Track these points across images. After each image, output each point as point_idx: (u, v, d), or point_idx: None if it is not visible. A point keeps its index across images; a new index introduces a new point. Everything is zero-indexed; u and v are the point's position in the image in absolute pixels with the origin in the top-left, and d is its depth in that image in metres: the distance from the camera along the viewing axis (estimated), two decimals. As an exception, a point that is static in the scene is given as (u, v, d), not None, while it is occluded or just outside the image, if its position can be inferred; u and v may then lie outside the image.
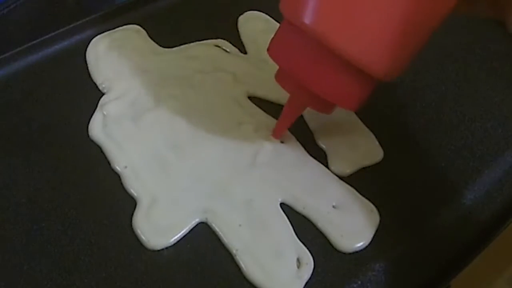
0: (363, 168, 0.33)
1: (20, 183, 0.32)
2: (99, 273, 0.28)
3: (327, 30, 0.26)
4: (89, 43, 0.38)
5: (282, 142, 0.34)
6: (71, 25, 0.39)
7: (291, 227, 0.30)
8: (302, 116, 0.35)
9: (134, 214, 0.30)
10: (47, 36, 0.38)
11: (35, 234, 0.29)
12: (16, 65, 0.37)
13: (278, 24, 0.40)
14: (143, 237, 0.29)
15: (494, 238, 0.30)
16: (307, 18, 0.27)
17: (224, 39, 0.39)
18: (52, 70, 0.37)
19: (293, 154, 0.33)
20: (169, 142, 0.33)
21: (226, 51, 0.39)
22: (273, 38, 0.30)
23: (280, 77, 0.31)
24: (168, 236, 0.29)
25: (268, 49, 0.30)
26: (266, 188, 0.31)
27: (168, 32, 0.40)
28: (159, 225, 0.30)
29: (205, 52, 0.38)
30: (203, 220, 0.30)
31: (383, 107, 0.36)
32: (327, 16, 0.26)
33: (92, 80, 0.36)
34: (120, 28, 0.40)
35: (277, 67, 0.30)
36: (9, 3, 0.43)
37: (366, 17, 0.26)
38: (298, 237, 0.30)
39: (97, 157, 0.32)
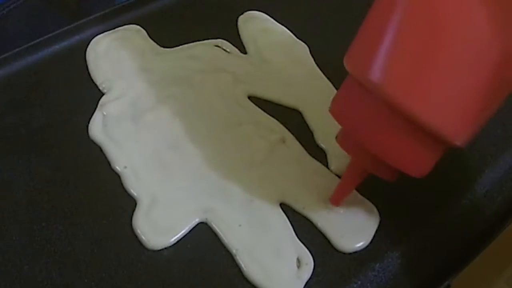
0: (363, 168, 0.33)
1: (20, 183, 0.32)
2: (99, 273, 0.28)
3: (398, 90, 0.24)
4: (89, 43, 0.38)
5: (283, 142, 0.34)
6: (71, 25, 0.39)
7: (291, 227, 0.30)
8: (302, 116, 0.35)
9: (134, 214, 0.30)
10: (47, 36, 0.38)
11: (35, 234, 0.29)
12: (16, 65, 0.37)
13: (278, 24, 0.41)
14: (143, 237, 0.29)
15: (494, 238, 0.30)
16: (375, 76, 0.24)
17: (224, 39, 0.39)
18: (52, 70, 0.37)
19: (293, 154, 0.33)
20: (169, 142, 0.33)
21: (226, 51, 0.39)
22: (336, 95, 0.28)
23: (342, 138, 0.28)
24: (168, 236, 0.29)
25: (330, 108, 0.27)
26: (266, 188, 0.31)
27: (168, 32, 0.40)
28: (159, 225, 0.30)
29: (205, 52, 0.38)
30: (203, 220, 0.30)
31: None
32: (399, 74, 0.24)
33: (92, 80, 0.36)
34: (120, 28, 0.40)
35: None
36: (9, 3, 0.43)
37: (445, 81, 0.23)
38: (298, 237, 0.30)
39: (97, 157, 0.32)
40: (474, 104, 0.24)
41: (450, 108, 0.24)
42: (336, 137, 0.28)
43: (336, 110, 0.27)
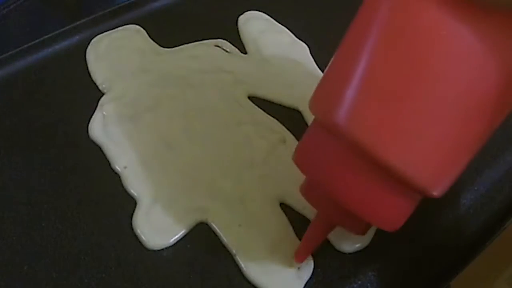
0: (363, 168, 0.33)
1: (20, 183, 0.32)
2: (99, 273, 0.28)
3: (367, 134, 0.21)
4: (89, 43, 0.38)
5: (283, 142, 0.34)
6: (71, 25, 0.39)
7: (291, 227, 0.30)
8: (302, 116, 0.35)
9: (134, 214, 0.30)
10: (47, 36, 0.38)
11: (35, 234, 0.29)
12: (16, 65, 0.37)
13: (278, 24, 0.41)
14: (143, 237, 0.29)
15: (494, 238, 0.30)
16: (341, 118, 0.22)
17: (224, 39, 0.39)
18: (52, 70, 0.37)
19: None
20: (169, 142, 0.33)
21: (226, 51, 0.39)
22: (300, 142, 0.25)
23: (306, 189, 0.26)
24: (168, 236, 0.29)
25: (294, 156, 0.25)
26: (266, 188, 0.31)
27: (168, 32, 0.40)
28: (159, 225, 0.30)
29: (205, 52, 0.38)
30: (203, 220, 0.30)
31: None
32: (368, 117, 0.21)
33: (92, 80, 0.36)
34: (120, 28, 0.40)
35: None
36: (9, 3, 0.43)
37: (421, 126, 0.21)
38: (298, 237, 0.30)
39: (97, 157, 0.32)
40: (454, 151, 0.22)
41: (426, 155, 0.21)
42: (300, 189, 0.26)
43: (300, 158, 0.25)
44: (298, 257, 0.28)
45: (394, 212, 0.23)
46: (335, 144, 0.23)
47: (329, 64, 0.24)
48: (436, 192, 0.22)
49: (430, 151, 0.21)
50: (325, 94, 0.24)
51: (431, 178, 0.22)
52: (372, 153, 0.21)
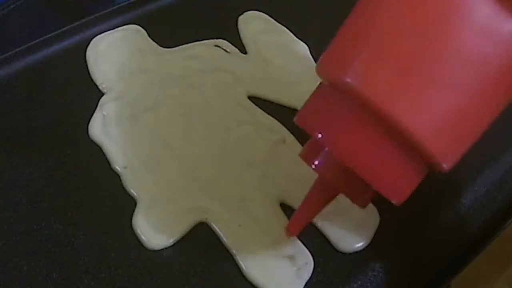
0: (363, 168, 0.33)
1: (20, 183, 0.32)
2: (99, 273, 0.28)
3: (379, 94, 0.21)
4: (89, 43, 0.38)
5: (283, 142, 0.34)
6: (71, 25, 0.39)
7: (291, 227, 0.30)
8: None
9: (134, 214, 0.30)
10: (47, 36, 0.38)
11: (35, 234, 0.29)
12: (16, 65, 0.37)
13: (278, 24, 0.41)
14: (143, 237, 0.29)
15: (494, 238, 0.30)
16: (353, 77, 0.21)
17: (224, 39, 0.39)
18: (52, 70, 0.37)
19: (293, 154, 0.33)
20: (168, 142, 0.33)
21: (226, 51, 0.39)
22: (306, 103, 0.25)
23: (308, 154, 0.25)
24: (168, 236, 0.29)
25: (297, 117, 0.25)
26: (266, 188, 0.31)
27: (168, 32, 0.39)
28: (159, 225, 0.30)
29: (205, 52, 0.38)
30: (203, 220, 0.30)
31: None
32: (382, 77, 0.21)
33: (92, 80, 0.36)
34: (120, 28, 0.40)
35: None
36: (9, 3, 0.43)
37: (436, 91, 0.21)
38: (298, 237, 0.30)
39: (97, 157, 0.32)
40: (465, 120, 0.21)
41: (438, 120, 0.21)
42: (300, 153, 0.25)
43: (303, 118, 0.24)
44: (292, 229, 0.28)
45: (400, 180, 0.23)
46: (346, 105, 0.22)
47: (342, 26, 0.24)
48: (445, 163, 0.22)
49: (442, 116, 0.21)
50: (338, 54, 0.23)
51: (441, 144, 0.21)
52: (384, 113, 0.21)
